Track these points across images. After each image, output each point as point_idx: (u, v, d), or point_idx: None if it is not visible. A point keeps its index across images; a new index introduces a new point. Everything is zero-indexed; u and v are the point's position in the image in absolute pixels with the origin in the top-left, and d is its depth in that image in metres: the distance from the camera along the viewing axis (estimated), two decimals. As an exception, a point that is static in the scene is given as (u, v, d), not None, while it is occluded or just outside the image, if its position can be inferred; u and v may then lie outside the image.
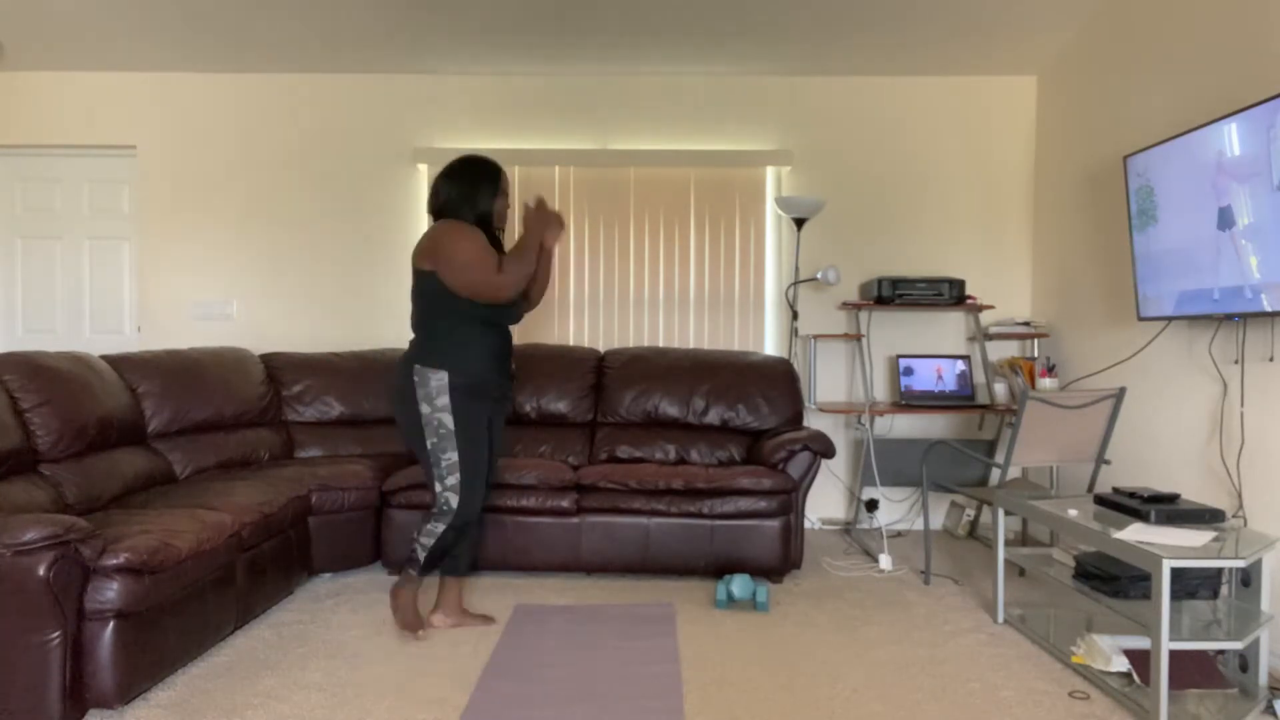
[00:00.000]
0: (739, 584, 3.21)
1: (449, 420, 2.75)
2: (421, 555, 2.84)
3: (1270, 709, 2.39)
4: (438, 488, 2.80)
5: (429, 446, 2.78)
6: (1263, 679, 2.49)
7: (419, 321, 2.82)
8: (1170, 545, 2.37)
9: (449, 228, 2.76)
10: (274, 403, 4.02)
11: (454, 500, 2.79)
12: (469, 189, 2.83)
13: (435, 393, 2.74)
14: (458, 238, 2.72)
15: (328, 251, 4.66)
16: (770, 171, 4.64)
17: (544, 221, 2.81)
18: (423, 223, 4.66)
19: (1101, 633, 2.80)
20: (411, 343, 2.84)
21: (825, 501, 4.67)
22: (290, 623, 3.05)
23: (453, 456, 2.76)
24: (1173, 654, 2.63)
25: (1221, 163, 2.80)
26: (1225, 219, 2.80)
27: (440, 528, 2.80)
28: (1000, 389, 4.39)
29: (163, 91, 4.64)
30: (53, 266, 4.72)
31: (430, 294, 2.77)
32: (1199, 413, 3.20)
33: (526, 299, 2.94)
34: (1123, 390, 3.23)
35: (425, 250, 2.75)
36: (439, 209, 2.87)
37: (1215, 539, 2.45)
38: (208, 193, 4.65)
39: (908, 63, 4.46)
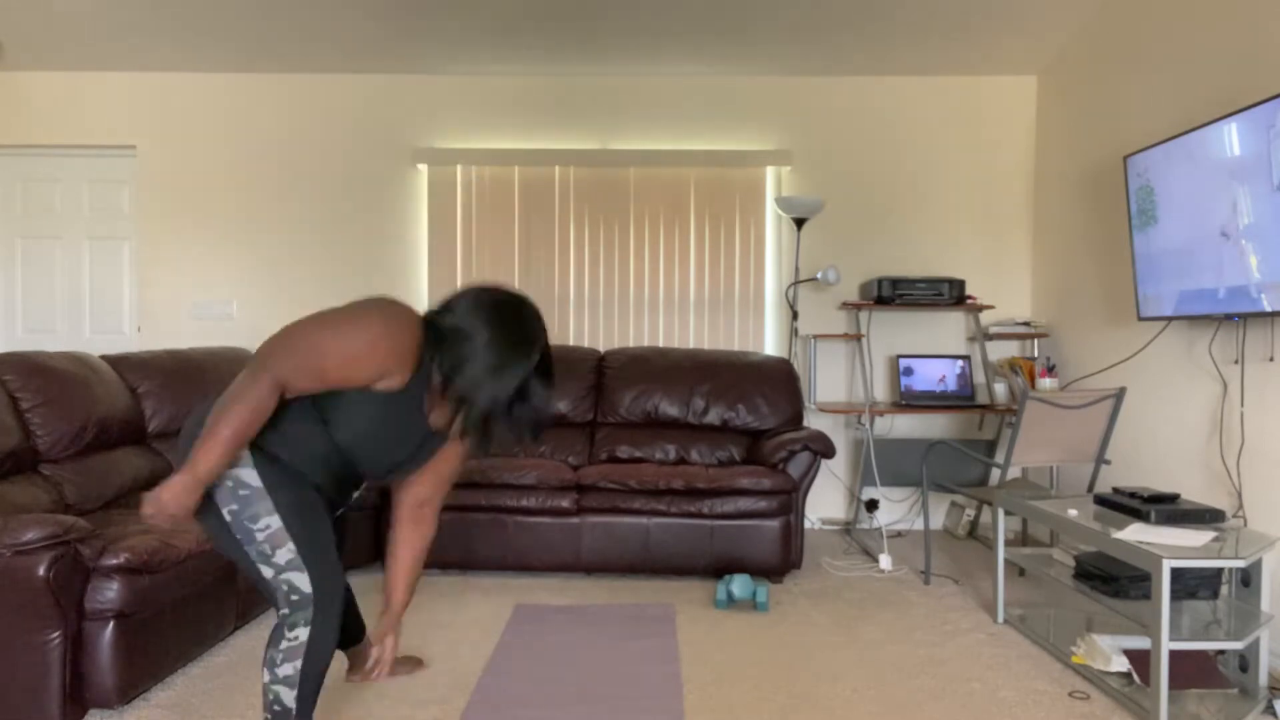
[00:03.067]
0: (739, 584, 3.22)
1: (250, 476, 1.88)
2: (290, 699, 1.89)
3: (1270, 709, 2.39)
4: (268, 573, 1.89)
5: (228, 518, 1.88)
6: (1263, 679, 2.49)
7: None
8: (1170, 545, 2.37)
9: (399, 329, 1.88)
10: (274, 403, 4.01)
11: (301, 581, 1.89)
12: (471, 380, 1.93)
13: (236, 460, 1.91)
14: (382, 335, 1.85)
15: (328, 251, 4.66)
16: (770, 171, 4.64)
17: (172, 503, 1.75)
18: (422, 222, 4.66)
19: (1101, 633, 2.79)
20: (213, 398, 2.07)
21: (825, 501, 4.67)
22: (290, 623, 3.05)
23: (270, 523, 1.87)
24: (1173, 654, 2.63)
25: (1221, 163, 2.80)
26: (1215, 218, 2.80)
27: (302, 633, 1.89)
28: (1000, 389, 4.39)
29: (163, 91, 4.64)
30: (53, 266, 4.72)
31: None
32: (1199, 413, 3.19)
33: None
34: (1123, 390, 3.23)
35: (359, 302, 1.93)
36: (439, 330, 1.96)
37: (1215, 539, 2.45)
38: (208, 193, 4.65)
39: (908, 63, 4.46)
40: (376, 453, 2.01)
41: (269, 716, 1.92)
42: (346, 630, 2.45)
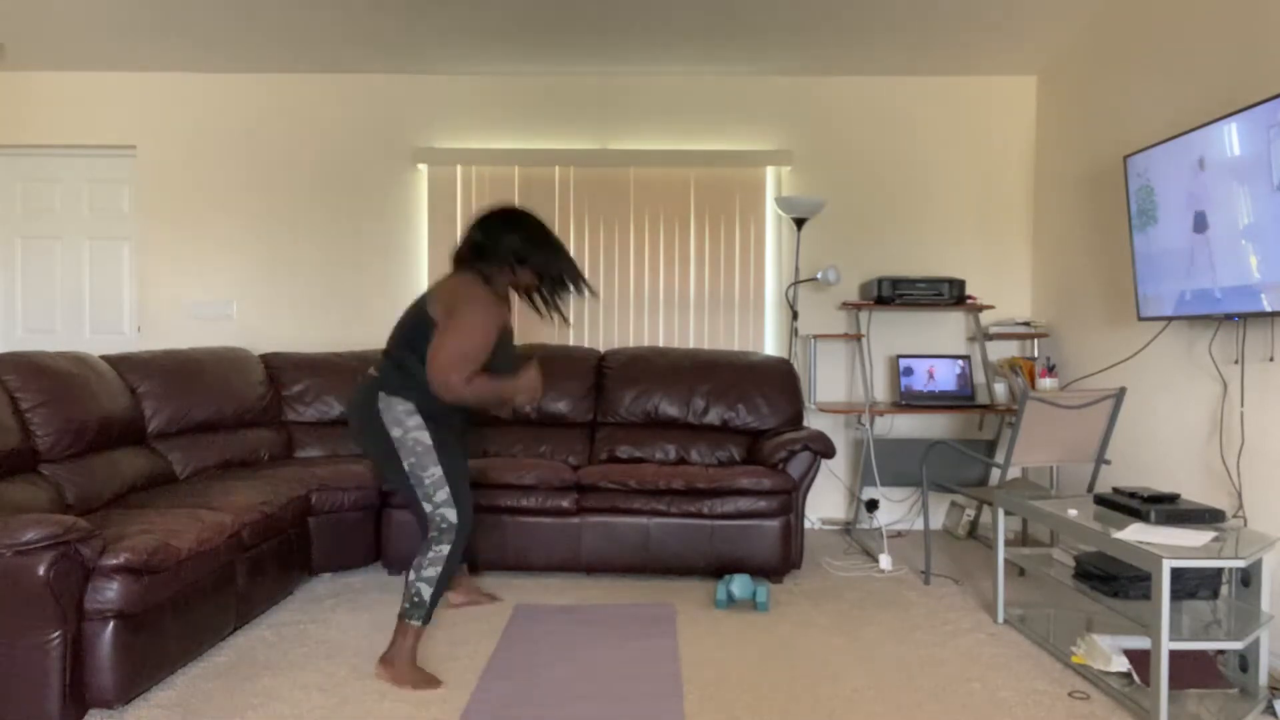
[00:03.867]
0: (739, 584, 3.22)
1: (425, 436, 2.58)
2: (428, 595, 2.54)
3: (1270, 709, 2.39)
4: (428, 508, 2.59)
5: (408, 468, 2.59)
6: (1263, 679, 2.49)
7: (398, 354, 2.63)
8: (1170, 545, 2.37)
9: (483, 303, 2.55)
10: (274, 403, 4.02)
11: (451, 514, 2.58)
12: (542, 258, 2.68)
13: (404, 415, 2.58)
14: (480, 319, 2.53)
15: (328, 251, 4.66)
16: (770, 171, 4.64)
17: (531, 392, 2.63)
18: (422, 222, 4.66)
19: (1101, 633, 2.79)
20: (378, 368, 2.66)
21: (825, 501, 4.67)
22: (290, 623, 3.05)
23: (436, 471, 2.57)
24: (1173, 654, 2.63)
25: (1222, 161, 2.80)
26: (1200, 222, 2.80)
27: (445, 549, 2.56)
28: (1000, 389, 4.39)
29: (163, 91, 4.64)
30: (53, 266, 4.72)
31: (423, 338, 2.58)
32: (1199, 413, 3.20)
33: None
34: (1123, 390, 3.23)
35: (446, 303, 2.56)
36: (482, 255, 2.67)
37: (1215, 539, 2.45)
38: (208, 193, 4.65)
39: (907, 63, 4.46)
40: (505, 369, 2.73)
41: (408, 605, 2.54)
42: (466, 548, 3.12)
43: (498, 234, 2.66)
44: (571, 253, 4.59)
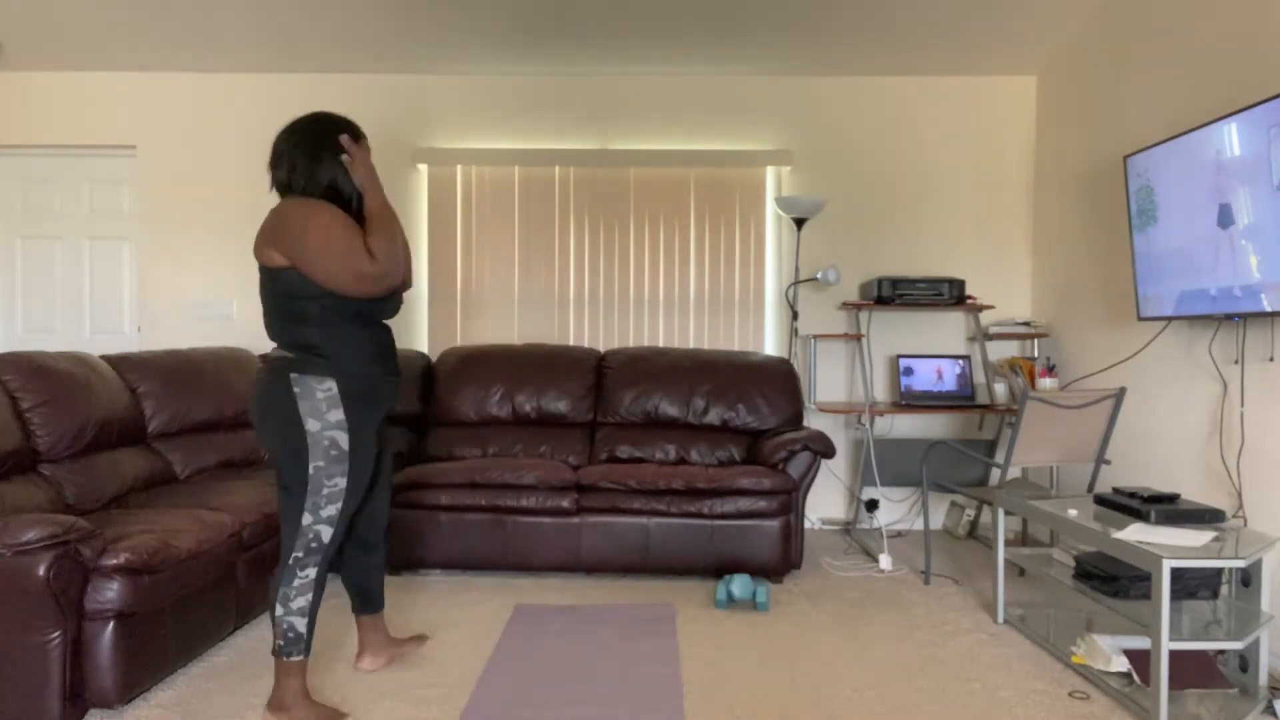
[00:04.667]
0: (739, 584, 3.22)
1: (344, 439, 2.24)
2: (304, 626, 2.25)
3: (1270, 709, 2.39)
4: (307, 519, 2.24)
5: (312, 471, 2.22)
6: (1263, 679, 2.49)
7: (281, 326, 2.26)
8: (1170, 545, 2.38)
9: (299, 208, 2.21)
10: (274, 403, 4.02)
11: (326, 534, 2.26)
12: (315, 150, 2.29)
13: (325, 406, 2.22)
14: (311, 218, 2.18)
15: (328, 251, 4.65)
16: (770, 171, 4.64)
17: (365, 164, 2.31)
18: (422, 222, 4.66)
19: (1101, 633, 2.79)
20: (274, 352, 2.30)
21: (825, 501, 4.67)
22: (290, 623, 3.05)
23: (340, 483, 2.25)
24: (1173, 654, 2.63)
25: (1221, 162, 2.80)
26: (1225, 217, 2.80)
27: (312, 573, 2.26)
28: (1000, 389, 4.39)
29: (163, 91, 4.64)
30: (53, 266, 4.72)
31: (290, 293, 2.22)
32: (1199, 413, 3.20)
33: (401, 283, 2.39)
34: (1123, 390, 3.23)
35: (271, 237, 2.20)
36: (285, 182, 2.31)
37: (1215, 539, 2.45)
38: (208, 193, 4.65)
39: (908, 63, 4.46)
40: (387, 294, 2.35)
41: (282, 643, 2.25)
42: (367, 591, 2.65)
43: (280, 156, 2.33)
44: (571, 252, 4.60)
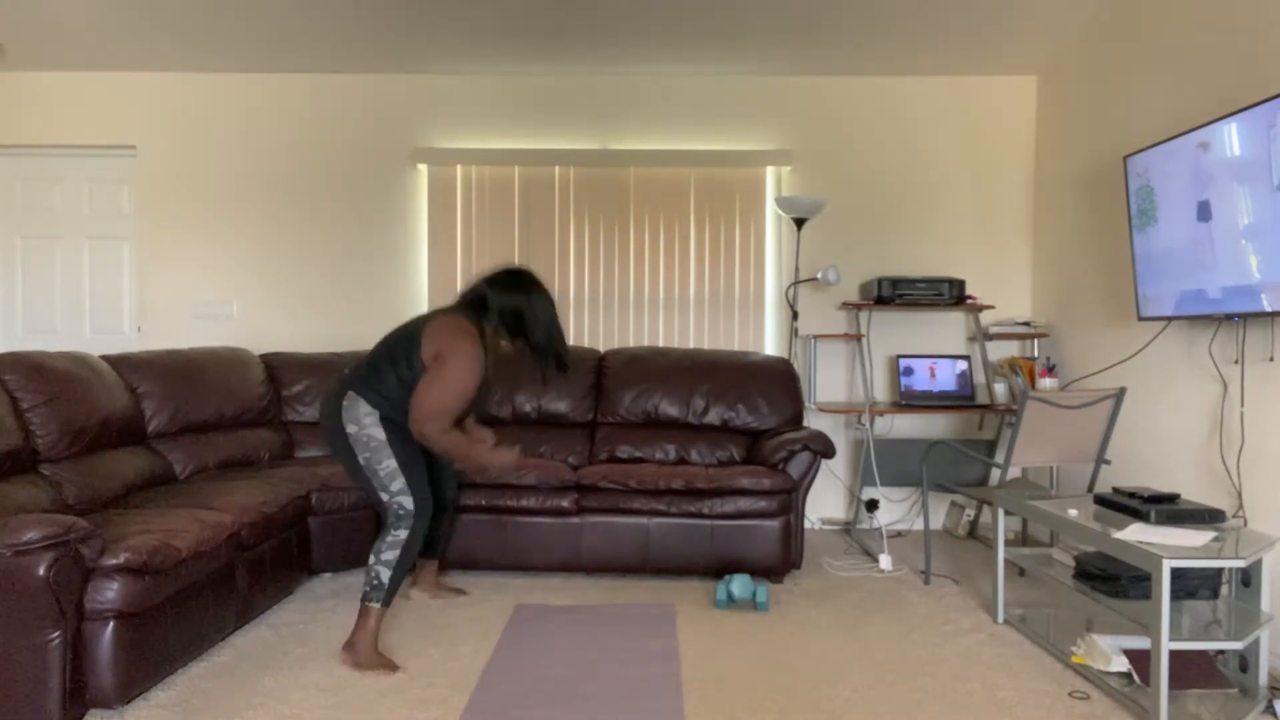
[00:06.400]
0: (739, 584, 3.22)
1: (378, 433, 2.67)
2: (386, 577, 2.64)
3: (1270, 709, 2.39)
4: (384, 497, 2.69)
5: (362, 462, 2.69)
6: (1263, 679, 2.49)
7: (377, 359, 2.74)
8: (1170, 545, 2.37)
9: (469, 357, 2.63)
10: (274, 403, 4.02)
11: (408, 501, 2.68)
12: (540, 334, 2.80)
13: (362, 415, 2.68)
14: (465, 374, 2.63)
15: (328, 251, 4.66)
16: (770, 171, 4.64)
17: (503, 469, 3.11)
18: (422, 222, 4.66)
19: (1101, 633, 2.79)
20: (350, 374, 2.76)
21: (825, 501, 4.67)
22: (290, 623, 3.05)
23: (390, 463, 2.67)
24: (1173, 654, 2.63)
25: (1221, 161, 2.80)
26: (1215, 218, 2.80)
27: (403, 534, 2.66)
28: (1000, 389, 4.39)
29: (163, 91, 4.64)
30: (53, 266, 4.72)
31: (408, 369, 2.69)
32: (1199, 413, 3.19)
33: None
34: (1123, 390, 3.23)
35: (439, 344, 2.65)
36: (484, 308, 2.79)
37: (1215, 539, 2.45)
38: (208, 193, 4.65)
39: (908, 63, 4.46)
40: (476, 408, 2.92)
41: (368, 589, 2.63)
42: (430, 540, 3.30)
43: (503, 298, 2.77)
44: (571, 252, 4.60)
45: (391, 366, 2.71)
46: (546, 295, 2.83)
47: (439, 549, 3.32)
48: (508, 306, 2.78)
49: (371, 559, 2.65)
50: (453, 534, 3.48)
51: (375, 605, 2.64)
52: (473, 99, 4.64)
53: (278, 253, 4.66)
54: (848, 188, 4.65)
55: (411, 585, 3.32)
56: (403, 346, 2.71)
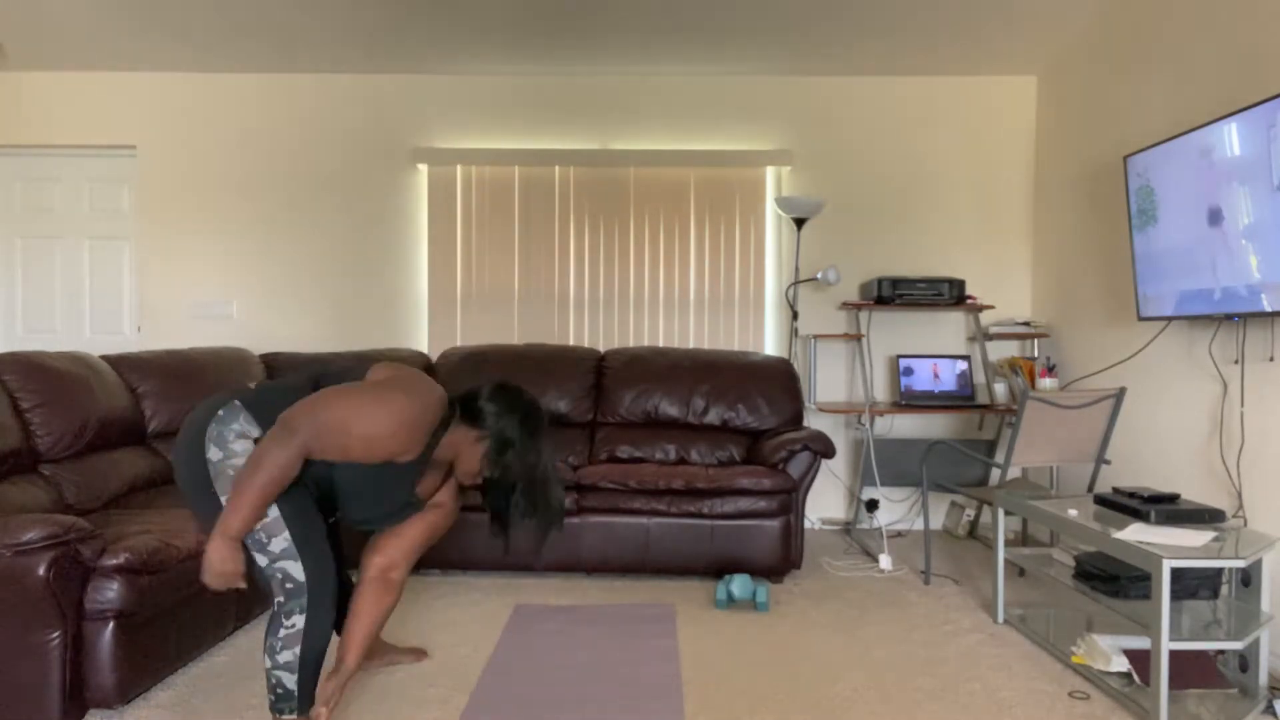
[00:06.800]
0: (739, 584, 3.21)
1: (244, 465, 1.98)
2: (293, 683, 2.04)
3: (1270, 709, 2.39)
4: (262, 561, 2.01)
5: (225, 504, 1.98)
6: (1263, 679, 2.49)
7: (294, 388, 2.13)
8: (1170, 545, 2.37)
9: (423, 414, 2.06)
10: (274, 403, 4.01)
11: (295, 569, 2.01)
12: (525, 468, 2.24)
13: (233, 436, 2.01)
14: (403, 422, 2.02)
15: (328, 251, 4.66)
16: (770, 171, 4.64)
17: (212, 569, 1.94)
18: (422, 222, 4.66)
19: (1101, 633, 2.79)
20: (254, 388, 2.13)
21: (825, 501, 4.67)
22: (290, 623, 3.05)
23: (268, 511, 1.99)
24: (1173, 654, 2.63)
25: (1222, 162, 2.80)
26: (1215, 218, 2.80)
27: (299, 620, 2.02)
28: (1000, 389, 4.39)
29: (163, 91, 4.64)
30: (53, 266, 4.72)
31: (334, 380, 2.16)
32: (1199, 413, 3.19)
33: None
34: (1123, 390, 3.23)
35: (392, 371, 2.15)
36: (470, 413, 2.23)
37: (1215, 539, 2.45)
38: (208, 193, 4.65)
39: (908, 63, 4.46)
40: (361, 502, 2.16)
41: (273, 698, 2.07)
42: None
43: (501, 412, 2.23)
44: (571, 252, 4.60)
45: (312, 385, 2.15)
46: (541, 436, 2.29)
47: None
48: (500, 423, 2.22)
49: (266, 660, 2.04)
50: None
51: (290, 717, 2.07)
52: (473, 99, 4.64)
53: (278, 253, 4.66)
54: (848, 188, 4.65)
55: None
56: (340, 371, 2.17)
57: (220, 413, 2.04)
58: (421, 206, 4.67)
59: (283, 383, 2.16)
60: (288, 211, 4.66)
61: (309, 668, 2.06)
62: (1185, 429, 3.27)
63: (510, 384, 2.31)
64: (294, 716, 2.08)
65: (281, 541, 2.01)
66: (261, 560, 2.03)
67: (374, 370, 2.17)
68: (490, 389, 2.27)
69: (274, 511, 2.01)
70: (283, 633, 2.03)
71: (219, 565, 1.93)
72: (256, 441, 2.02)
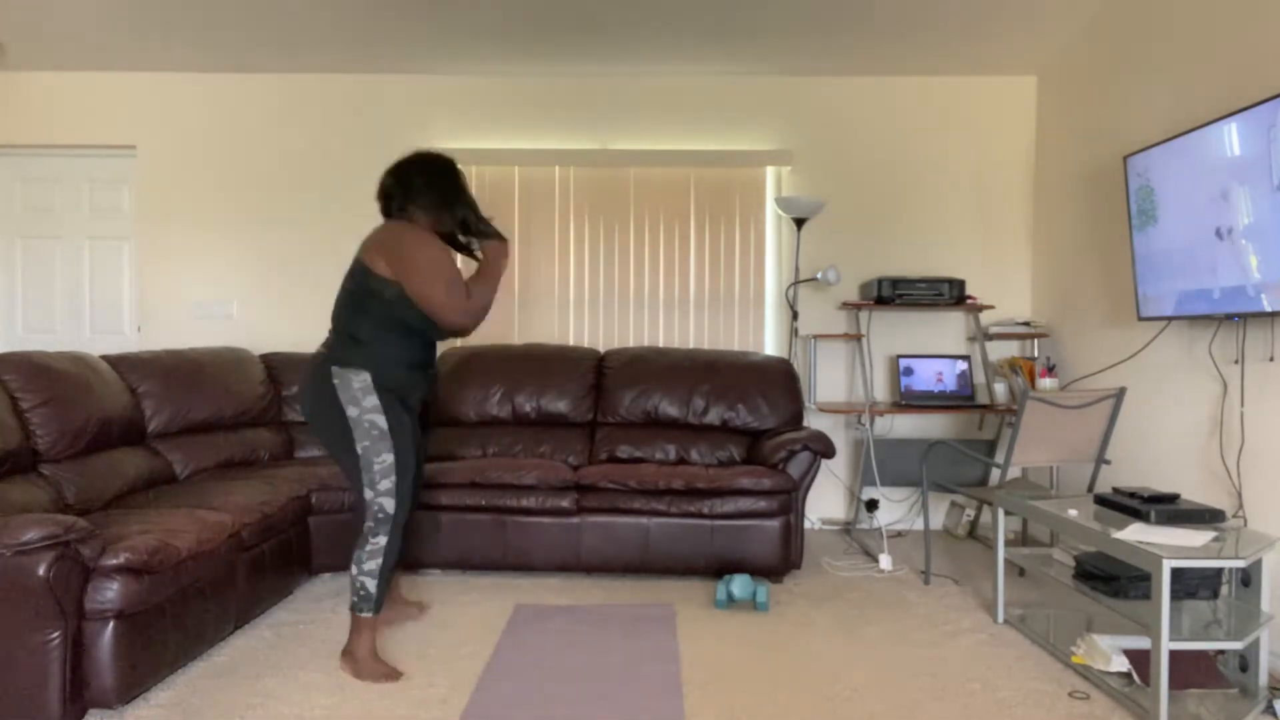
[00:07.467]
0: (739, 584, 3.21)
1: (382, 421, 2.51)
2: (373, 587, 2.55)
3: (1270, 709, 2.39)
4: (369, 494, 2.54)
5: (360, 450, 2.52)
6: (1263, 679, 2.49)
7: (345, 314, 2.56)
8: (1170, 545, 2.37)
9: (419, 235, 2.51)
10: (274, 403, 4.02)
11: (390, 504, 2.55)
12: (448, 193, 2.64)
13: (361, 394, 2.51)
14: (430, 249, 2.50)
15: (328, 251, 4.66)
16: (770, 171, 4.64)
17: (504, 249, 2.67)
18: (423, 223, 4.65)
19: (1101, 633, 2.79)
20: (327, 342, 2.60)
21: (825, 501, 4.67)
22: (290, 623, 3.05)
23: (388, 459, 2.53)
24: (1173, 654, 2.63)
25: (1222, 162, 2.80)
26: (1223, 219, 2.80)
27: (383, 540, 2.55)
28: (1000, 389, 4.39)
29: (163, 91, 4.64)
30: (53, 266, 4.72)
31: (369, 291, 2.51)
32: (1199, 413, 3.19)
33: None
34: (1123, 390, 3.23)
35: (386, 253, 2.49)
36: (402, 206, 2.63)
37: (1215, 539, 2.45)
38: (208, 193, 4.65)
39: (908, 63, 4.46)
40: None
41: (356, 600, 2.55)
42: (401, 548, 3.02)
43: (406, 181, 2.63)
44: (571, 252, 4.60)
45: (362, 316, 2.53)
46: (442, 166, 2.66)
47: (403, 554, 3.16)
48: (413, 189, 2.62)
49: (354, 569, 2.56)
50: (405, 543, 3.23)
51: (367, 614, 2.57)
52: (473, 99, 4.64)
53: (278, 253, 4.66)
54: (848, 188, 4.65)
55: None
56: (366, 291, 2.52)
57: (336, 381, 2.50)
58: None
59: (338, 334, 2.57)
60: (288, 212, 4.66)
61: (384, 575, 2.56)
62: (1185, 429, 3.27)
63: (397, 162, 2.66)
64: (370, 614, 2.56)
65: (388, 483, 2.53)
66: (369, 494, 2.53)
67: (375, 266, 2.50)
68: (389, 176, 2.65)
69: (391, 459, 2.52)
70: (369, 547, 2.54)
71: (504, 257, 2.65)
72: (373, 381, 2.50)
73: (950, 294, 4.27)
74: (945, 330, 4.66)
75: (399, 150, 4.65)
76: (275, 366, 4.14)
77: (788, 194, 4.63)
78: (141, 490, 3.18)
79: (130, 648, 2.30)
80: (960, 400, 4.34)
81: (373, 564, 2.55)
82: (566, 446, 4.05)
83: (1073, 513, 2.79)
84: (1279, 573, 2.71)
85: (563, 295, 4.63)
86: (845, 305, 4.42)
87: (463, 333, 2.58)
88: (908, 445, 4.47)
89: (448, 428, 4.13)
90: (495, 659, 2.72)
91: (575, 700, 2.42)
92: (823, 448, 3.59)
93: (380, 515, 2.55)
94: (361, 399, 2.50)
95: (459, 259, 2.84)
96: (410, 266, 2.47)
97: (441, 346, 4.61)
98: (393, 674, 2.57)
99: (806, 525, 4.62)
